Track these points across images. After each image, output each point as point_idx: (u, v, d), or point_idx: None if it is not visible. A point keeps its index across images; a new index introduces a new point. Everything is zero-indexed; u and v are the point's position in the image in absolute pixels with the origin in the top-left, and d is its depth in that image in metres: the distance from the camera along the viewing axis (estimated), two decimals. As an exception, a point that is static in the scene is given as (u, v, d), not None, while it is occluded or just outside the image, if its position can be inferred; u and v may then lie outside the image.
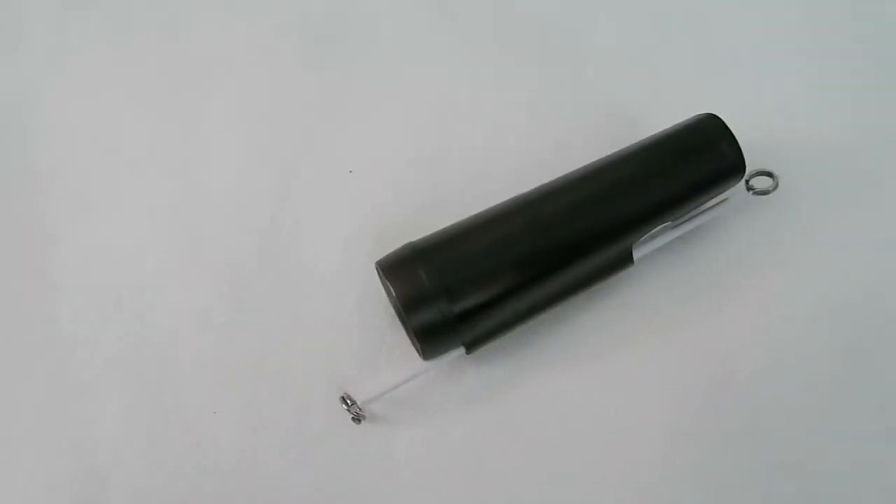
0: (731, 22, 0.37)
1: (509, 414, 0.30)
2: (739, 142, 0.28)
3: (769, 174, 0.30)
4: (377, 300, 0.31)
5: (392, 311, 0.31)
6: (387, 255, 0.27)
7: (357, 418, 0.28)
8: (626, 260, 0.28)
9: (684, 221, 0.29)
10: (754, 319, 0.31)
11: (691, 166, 0.28)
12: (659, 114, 0.31)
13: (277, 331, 0.32)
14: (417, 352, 0.28)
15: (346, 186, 0.34)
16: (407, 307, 0.26)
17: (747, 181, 0.30)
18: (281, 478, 0.29)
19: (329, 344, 0.31)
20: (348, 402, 0.28)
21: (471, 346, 0.27)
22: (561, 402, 0.30)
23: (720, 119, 0.29)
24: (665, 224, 0.28)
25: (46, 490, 0.29)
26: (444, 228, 0.28)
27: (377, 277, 0.30)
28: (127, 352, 0.32)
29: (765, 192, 0.30)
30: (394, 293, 0.26)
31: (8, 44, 0.38)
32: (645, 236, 0.28)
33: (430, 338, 0.26)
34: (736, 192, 0.30)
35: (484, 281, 0.26)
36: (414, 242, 0.27)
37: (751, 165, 0.29)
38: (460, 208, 0.33)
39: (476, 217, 0.28)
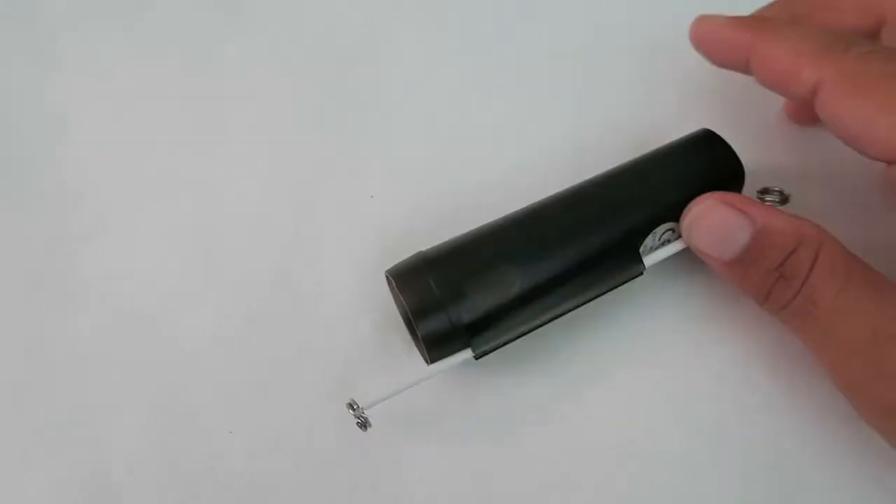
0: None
1: (518, 426, 0.29)
2: (752, 158, 0.29)
3: (779, 191, 0.30)
4: (394, 324, 0.32)
5: (402, 323, 0.31)
6: (396, 264, 0.28)
7: (363, 424, 0.28)
8: (636, 268, 0.28)
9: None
10: (771, 335, 0.30)
11: (688, 168, 0.29)
12: (670, 133, 0.31)
13: (294, 352, 0.32)
14: (425, 361, 0.28)
15: (366, 211, 0.35)
16: (416, 315, 0.26)
17: (760, 195, 0.30)
18: (296, 498, 0.29)
19: (344, 366, 0.31)
20: (354, 406, 0.28)
21: (480, 353, 0.27)
22: (567, 413, 0.29)
23: (712, 130, 0.29)
24: (670, 225, 0.28)
25: (59, 507, 0.30)
26: (453, 238, 0.28)
27: (392, 298, 0.30)
28: (143, 370, 0.32)
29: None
30: (403, 301, 0.26)
31: (37, 64, 0.40)
32: (656, 243, 0.28)
33: (439, 346, 0.26)
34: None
35: (494, 290, 0.26)
36: (424, 251, 0.28)
37: (763, 182, 0.29)
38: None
39: (485, 227, 0.28)
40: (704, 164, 0.29)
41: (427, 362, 0.28)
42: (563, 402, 0.30)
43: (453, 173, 0.35)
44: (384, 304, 0.32)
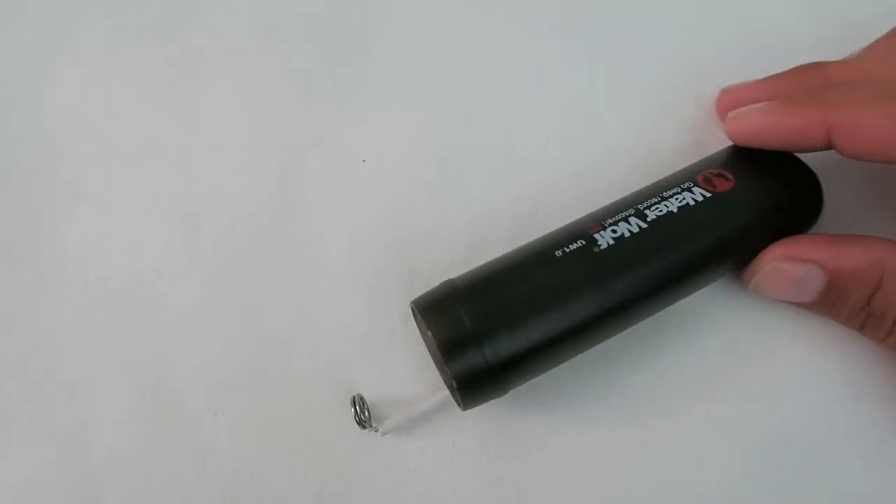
0: (794, 46, 0.32)
1: (527, 432, 0.28)
2: None
3: None
4: (388, 299, 0.29)
5: (412, 318, 0.28)
6: (424, 295, 0.24)
7: (363, 423, 0.27)
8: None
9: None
10: (822, 368, 0.27)
11: (775, 218, 0.25)
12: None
13: (282, 330, 0.29)
14: (456, 402, 0.25)
15: (357, 176, 0.31)
16: (447, 353, 0.23)
17: None
18: (283, 487, 0.28)
19: (337, 345, 0.29)
20: (358, 406, 0.27)
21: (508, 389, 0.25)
22: (584, 406, 0.28)
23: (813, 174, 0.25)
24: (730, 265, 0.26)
25: (37, 498, 0.28)
26: (485, 265, 0.25)
27: (388, 275, 0.28)
28: (123, 351, 0.29)
29: None
30: (432, 337, 0.23)
31: (8, 32, 0.36)
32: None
33: (471, 386, 0.23)
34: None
35: (533, 327, 0.23)
36: (453, 280, 0.24)
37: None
38: (480, 204, 0.30)
39: (520, 253, 0.25)
40: (788, 218, 0.25)
41: (458, 402, 0.25)
42: (578, 396, 0.28)
43: (452, 137, 0.32)
44: (377, 277, 0.29)
